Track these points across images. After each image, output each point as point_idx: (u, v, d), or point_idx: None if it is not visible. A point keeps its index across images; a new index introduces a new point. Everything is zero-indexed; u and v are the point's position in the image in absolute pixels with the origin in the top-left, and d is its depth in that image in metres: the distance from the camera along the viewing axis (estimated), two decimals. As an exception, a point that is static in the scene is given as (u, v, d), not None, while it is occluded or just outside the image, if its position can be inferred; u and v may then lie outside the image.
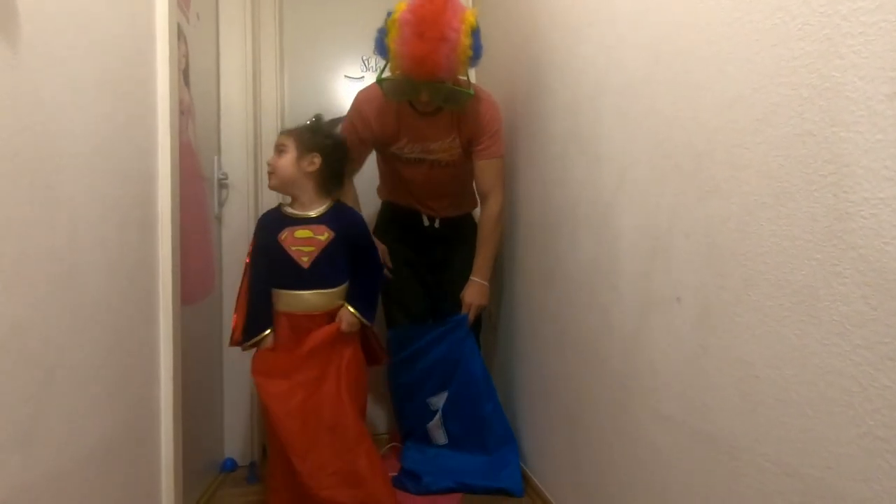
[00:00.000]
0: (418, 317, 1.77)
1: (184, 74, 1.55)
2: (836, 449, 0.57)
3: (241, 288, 1.42)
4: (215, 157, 1.83)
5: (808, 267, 0.60)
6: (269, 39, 2.07)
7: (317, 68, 2.23)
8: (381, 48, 1.43)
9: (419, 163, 1.70)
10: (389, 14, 1.41)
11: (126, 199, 0.99)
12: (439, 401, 1.66)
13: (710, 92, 0.76)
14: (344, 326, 1.40)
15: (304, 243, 1.38)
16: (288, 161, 1.40)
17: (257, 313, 1.39)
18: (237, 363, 1.86)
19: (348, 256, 1.43)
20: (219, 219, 1.87)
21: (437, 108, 1.57)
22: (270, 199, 1.99)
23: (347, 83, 2.25)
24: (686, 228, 0.81)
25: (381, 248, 1.67)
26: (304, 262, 1.38)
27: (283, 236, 1.37)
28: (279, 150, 1.42)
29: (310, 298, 1.40)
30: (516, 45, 1.67)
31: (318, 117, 1.48)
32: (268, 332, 1.38)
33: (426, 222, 1.82)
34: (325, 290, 1.41)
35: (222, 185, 1.86)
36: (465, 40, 1.34)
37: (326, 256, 1.39)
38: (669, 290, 0.85)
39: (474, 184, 1.73)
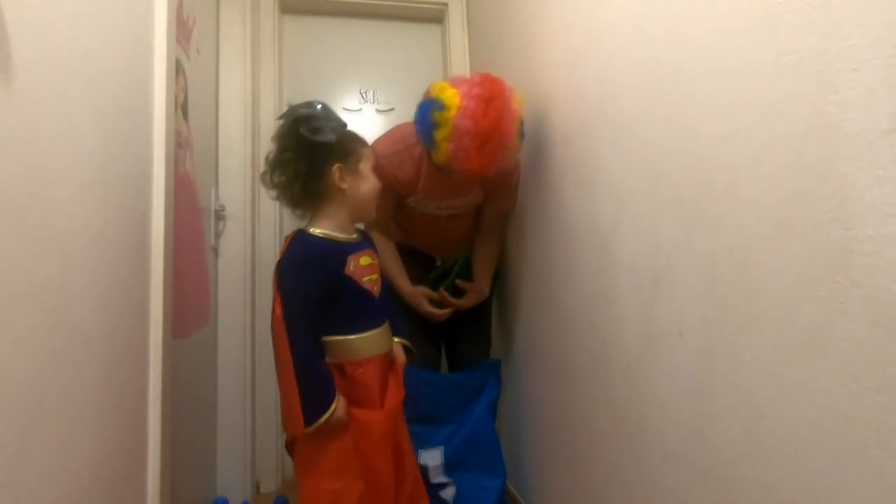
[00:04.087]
0: (431, 357, 1.73)
1: (182, 108, 1.57)
2: (849, 495, 0.55)
3: (281, 355, 1.06)
4: (213, 189, 1.83)
5: (814, 303, 0.59)
6: (269, 73, 2.11)
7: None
8: (426, 136, 1.33)
9: (434, 218, 1.66)
10: (437, 105, 1.26)
11: (119, 232, 0.98)
12: (431, 458, 1.58)
13: (707, 126, 0.76)
14: (401, 363, 1.25)
15: (371, 271, 1.18)
16: None
17: (322, 379, 1.08)
18: (231, 398, 1.82)
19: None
20: (215, 250, 1.86)
21: None
22: (268, 231, 2.00)
23: (346, 116, 2.27)
24: (687, 262, 0.80)
25: (414, 294, 1.61)
26: (376, 292, 1.18)
27: (350, 268, 1.12)
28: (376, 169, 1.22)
29: (386, 334, 1.22)
30: (513, 72, 1.69)
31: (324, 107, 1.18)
32: (337, 398, 1.09)
33: (438, 262, 1.81)
34: (388, 322, 1.24)
35: (219, 216, 1.86)
36: (517, 141, 1.31)
37: (383, 283, 1.23)
38: (671, 323, 0.84)
39: (482, 221, 1.71)
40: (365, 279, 1.16)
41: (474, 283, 1.68)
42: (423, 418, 1.63)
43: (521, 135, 1.35)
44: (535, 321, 1.49)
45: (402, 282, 1.62)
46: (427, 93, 1.35)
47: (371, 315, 1.18)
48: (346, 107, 2.29)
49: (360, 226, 1.31)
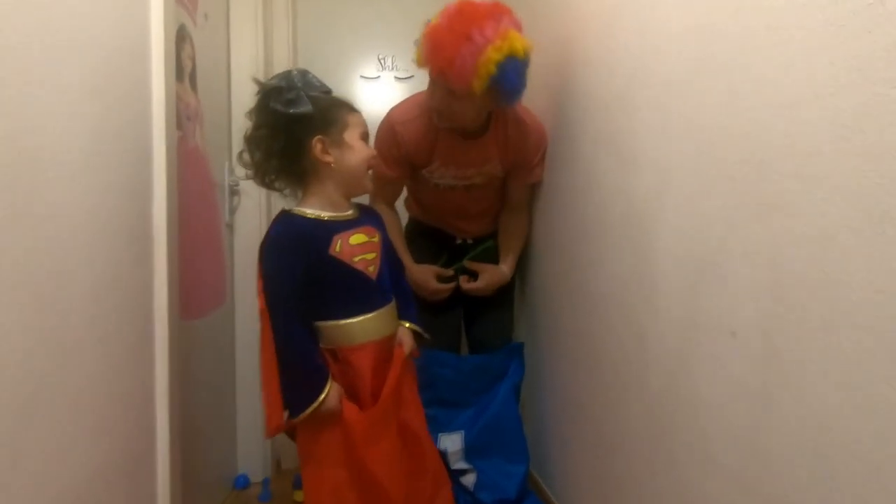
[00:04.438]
0: (450, 336, 1.66)
1: (190, 78, 1.49)
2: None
3: (264, 343, 1.01)
4: (226, 163, 1.76)
5: (912, 309, 0.48)
6: (282, 39, 2.00)
7: (331, 68, 2.15)
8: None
9: (451, 189, 1.58)
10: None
11: (118, 211, 0.92)
12: (451, 442, 1.53)
13: (776, 88, 0.64)
14: (408, 350, 1.16)
15: (365, 249, 1.08)
16: None
17: (309, 367, 1.01)
18: (250, 375, 1.80)
19: (389, 263, 1.17)
20: (230, 226, 1.80)
21: (482, 130, 1.45)
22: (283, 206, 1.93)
23: (363, 84, 2.17)
24: (742, 250, 0.69)
25: (421, 271, 1.54)
26: (371, 273, 1.09)
27: (335, 248, 1.03)
28: (367, 136, 1.10)
29: (385, 318, 1.12)
30: (542, 30, 1.55)
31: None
32: (327, 387, 1.01)
33: (459, 240, 1.71)
34: (391, 305, 1.14)
35: (234, 191, 1.80)
36: (493, 55, 1.18)
37: (384, 263, 1.12)
38: (721, 319, 0.73)
39: (507, 198, 1.62)
40: (356, 259, 1.06)
41: (491, 266, 1.59)
42: (442, 401, 1.58)
43: (509, 78, 1.21)
44: (562, 303, 1.39)
45: (407, 259, 1.53)
46: None
47: (365, 298, 1.09)
48: (364, 74, 2.17)
49: (360, 200, 1.21)
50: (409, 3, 2.19)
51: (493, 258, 1.64)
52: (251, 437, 1.80)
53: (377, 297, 1.12)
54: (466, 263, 1.61)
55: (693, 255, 0.80)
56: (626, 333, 1.02)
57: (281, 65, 2.00)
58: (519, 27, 1.24)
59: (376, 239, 1.13)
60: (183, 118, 1.43)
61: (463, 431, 1.56)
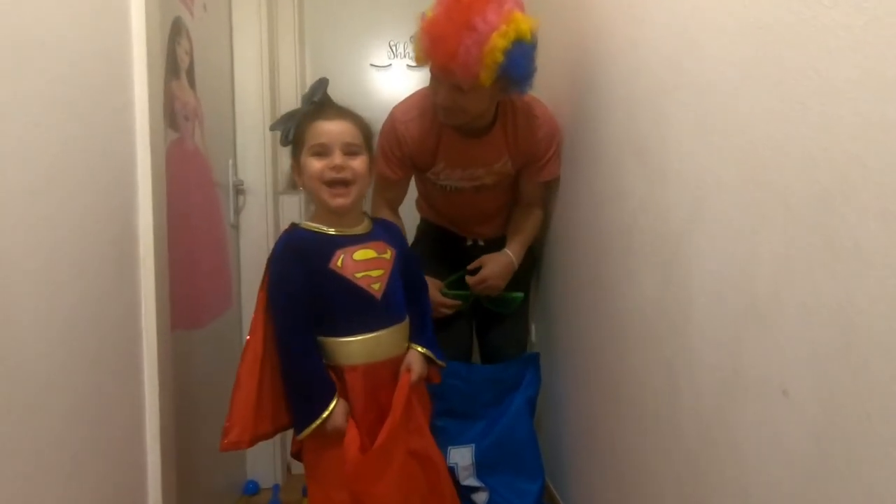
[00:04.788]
0: (461, 344, 1.57)
1: (188, 74, 1.41)
2: None
3: (246, 351, 0.99)
4: (230, 161, 1.69)
5: None
6: (287, 28, 1.90)
7: (340, 57, 2.05)
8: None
9: (458, 192, 1.48)
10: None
11: (98, 225, 0.85)
12: (461, 457, 1.46)
13: (850, 101, 0.52)
14: (415, 377, 1.07)
15: (371, 266, 1.03)
16: (364, 165, 1.02)
17: (313, 379, 0.97)
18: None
19: (404, 280, 1.12)
20: (235, 227, 1.74)
21: (487, 127, 1.34)
22: (292, 205, 1.86)
23: (374, 73, 2.06)
24: (801, 298, 0.58)
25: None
26: (376, 290, 1.02)
27: (336, 263, 1.00)
28: (350, 149, 1.01)
29: (388, 339, 1.05)
30: (559, 19, 1.42)
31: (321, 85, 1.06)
32: (333, 403, 0.96)
33: (469, 242, 1.62)
34: (400, 325, 1.08)
35: (238, 190, 1.73)
36: (499, 42, 1.08)
37: (395, 280, 1.06)
38: (770, 373, 0.63)
39: (519, 195, 1.51)
40: (358, 275, 1.01)
41: (493, 253, 1.47)
42: (452, 412, 1.51)
43: (516, 64, 1.13)
44: (582, 316, 1.29)
45: None
46: None
47: (366, 316, 1.02)
48: (375, 62, 2.06)
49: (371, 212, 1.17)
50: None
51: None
52: (261, 443, 1.77)
53: (380, 316, 1.04)
54: (469, 275, 1.49)
55: (736, 298, 0.69)
56: (655, 366, 0.91)
57: (287, 57, 1.91)
58: (521, 7, 1.13)
59: (388, 255, 1.07)
60: (180, 118, 1.35)
61: (473, 445, 1.49)
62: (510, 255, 1.47)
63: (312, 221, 1.05)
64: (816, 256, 0.56)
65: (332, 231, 1.03)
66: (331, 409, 0.96)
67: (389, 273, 1.05)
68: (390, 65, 2.06)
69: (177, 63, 1.34)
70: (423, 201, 1.66)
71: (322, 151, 1.00)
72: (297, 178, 1.05)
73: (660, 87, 0.88)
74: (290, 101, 1.92)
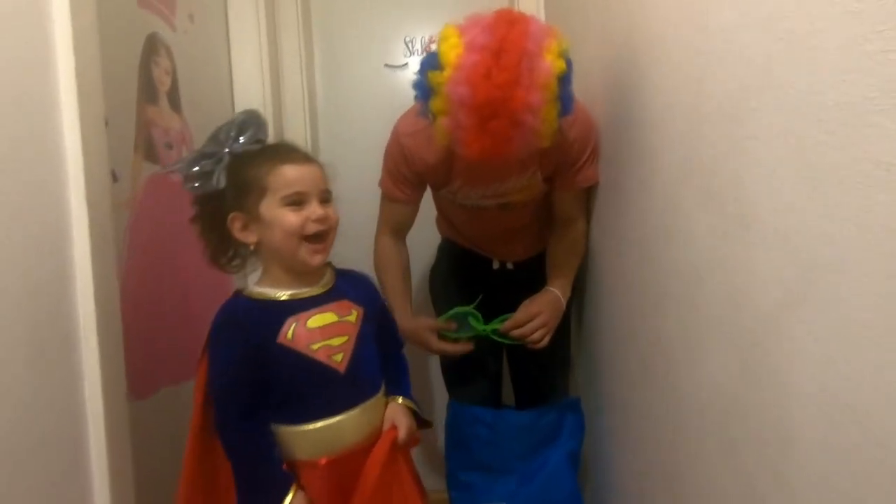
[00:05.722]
0: (488, 384, 1.38)
1: (170, 96, 1.26)
2: None
3: (192, 443, 0.85)
4: (230, 186, 1.54)
5: None
6: (291, 29, 1.72)
7: (352, 57, 1.85)
8: (424, 107, 0.96)
9: (481, 209, 1.26)
10: (433, 62, 0.90)
11: (20, 305, 0.70)
12: None
13: None
14: (405, 433, 0.91)
15: (330, 333, 0.85)
16: (337, 213, 0.88)
17: (263, 471, 0.82)
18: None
19: (376, 337, 0.94)
20: (241, 257, 1.60)
21: None
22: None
23: (388, 74, 1.85)
24: None
25: (415, 330, 1.20)
26: (338, 363, 0.85)
27: (286, 335, 0.83)
28: (326, 196, 0.86)
29: (357, 421, 0.87)
30: (601, 10, 1.15)
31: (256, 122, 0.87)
32: (290, 496, 0.80)
33: (496, 265, 1.40)
34: (372, 401, 0.90)
35: (240, 217, 1.58)
36: (550, 112, 0.87)
37: (363, 348, 0.89)
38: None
39: (555, 210, 1.27)
40: (315, 346, 0.83)
41: (536, 296, 1.22)
42: (479, 466, 1.32)
43: (562, 99, 0.90)
44: (634, 368, 1.05)
45: (402, 312, 1.21)
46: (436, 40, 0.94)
47: (327, 396, 0.85)
48: (389, 62, 1.85)
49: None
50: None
51: None
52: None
53: (346, 393, 0.87)
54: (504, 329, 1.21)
55: (853, 430, 0.45)
56: (727, 472, 0.68)
57: (292, 61, 1.73)
58: (545, 39, 0.89)
59: (352, 318, 0.88)
60: (160, 147, 1.20)
61: None
62: (555, 292, 1.22)
63: (260, 286, 0.87)
64: None
65: (283, 296, 0.85)
66: (294, 488, 0.81)
67: (356, 339, 0.87)
68: (406, 64, 1.84)
69: (153, 85, 1.18)
70: (442, 219, 1.45)
71: (299, 201, 0.82)
72: (242, 235, 0.84)
73: (734, 101, 0.63)
74: (298, 113, 1.75)
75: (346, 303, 0.89)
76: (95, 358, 0.78)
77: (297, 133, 1.72)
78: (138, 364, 1.02)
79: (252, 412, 0.83)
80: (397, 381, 0.98)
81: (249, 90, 1.61)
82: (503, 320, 1.21)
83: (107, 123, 0.97)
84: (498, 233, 1.34)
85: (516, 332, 1.19)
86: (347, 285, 0.92)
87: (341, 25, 1.84)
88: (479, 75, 0.83)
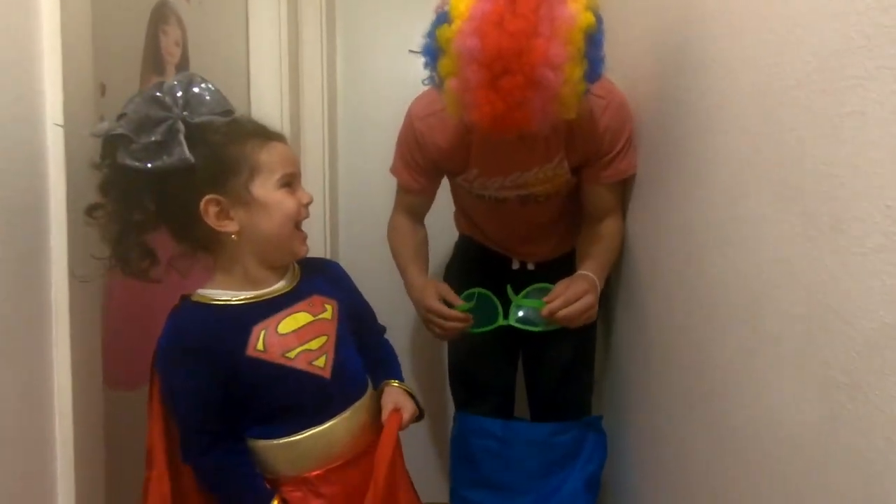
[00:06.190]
0: (499, 395, 1.28)
1: (178, 70, 1.18)
2: None
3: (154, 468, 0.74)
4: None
5: None
6: (313, 7, 1.65)
7: (375, 41, 1.77)
8: (433, 71, 0.86)
9: (500, 201, 1.16)
10: (443, 17, 0.80)
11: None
12: None
13: None
14: (409, 415, 0.82)
15: (306, 335, 0.75)
16: None
17: (249, 497, 0.74)
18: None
19: (355, 329, 0.84)
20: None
21: None
22: (316, 221, 1.61)
23: (413, 61, 1.75)
24: None
25: (422, 287, 1.09)
26: (322, 368, 0.75)
27: (256, 345, 0.72)
28: (293, 176, 0.76)
29: (347, 426, 0.78)
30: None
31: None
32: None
33: (516, 265, 1.29)
34: (362, 400, 0.81)
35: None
36: (576, 72, 0.76)
37: (345, 345, 0.79)
38: None
39: (585, 205, 1.16)
40: (292, 354, 0.73)
41: (574, 282, 1.04)
42: (488, 483, 1.21)
43: (590, 60, 0.79)
44: (674, 392, 0.93)
45: (412, 274, 1.14)
46: None
47: (312, 405, 0.75)
48: (414, 48, 1.76)
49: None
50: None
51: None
52: None
53: (334, 399, 0.77)
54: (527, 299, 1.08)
55: None
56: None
57: (312, 44, 1.65)
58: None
59: (328, 314, 0.78)
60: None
61: None
62: (592, 277, 1.06)
63: (213, 289, 0.74)
64: None
65: (239, 299, 0.73)
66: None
67: (336, 337, 0.77)
68: (432, 50, 1.74)
69: (160, 55, 1.11)
70: (460, 213, 1.35)
71: (292, 183, 0.74)
72: (218, 223, 0.69)
73: (823, 79, 0.51)
74: (316, 98, 1.67)
75: (317, 298, 0.78)
76: (66, 342, 0.69)
77: (314, 121, 1.66)
78: (127, 351, 0.95)
79: (224, 436, 0.73)
80: (388, 367, 0.89)
81: (265, 71, 1.53)
82: (528, 296, 1.07)
83: (104, 89, 0.90)
84: (518, 229, 1.23)
85: (563, 313, 1.00)
86: (315, 277, 0.81)
87: (365, 9, 1.76)
88: (490, 23, 0.73)
